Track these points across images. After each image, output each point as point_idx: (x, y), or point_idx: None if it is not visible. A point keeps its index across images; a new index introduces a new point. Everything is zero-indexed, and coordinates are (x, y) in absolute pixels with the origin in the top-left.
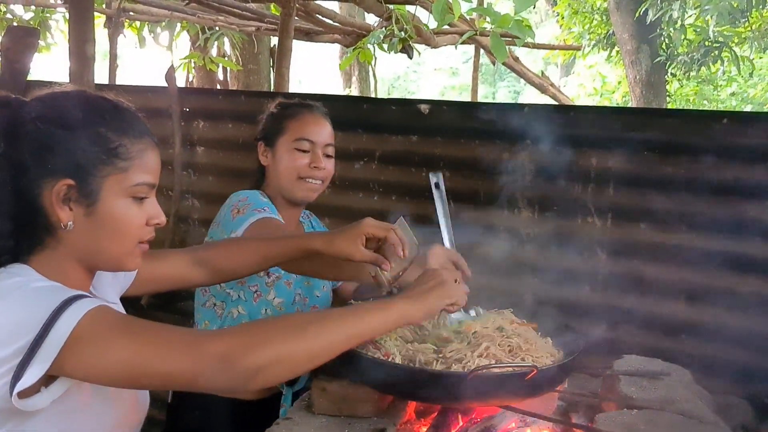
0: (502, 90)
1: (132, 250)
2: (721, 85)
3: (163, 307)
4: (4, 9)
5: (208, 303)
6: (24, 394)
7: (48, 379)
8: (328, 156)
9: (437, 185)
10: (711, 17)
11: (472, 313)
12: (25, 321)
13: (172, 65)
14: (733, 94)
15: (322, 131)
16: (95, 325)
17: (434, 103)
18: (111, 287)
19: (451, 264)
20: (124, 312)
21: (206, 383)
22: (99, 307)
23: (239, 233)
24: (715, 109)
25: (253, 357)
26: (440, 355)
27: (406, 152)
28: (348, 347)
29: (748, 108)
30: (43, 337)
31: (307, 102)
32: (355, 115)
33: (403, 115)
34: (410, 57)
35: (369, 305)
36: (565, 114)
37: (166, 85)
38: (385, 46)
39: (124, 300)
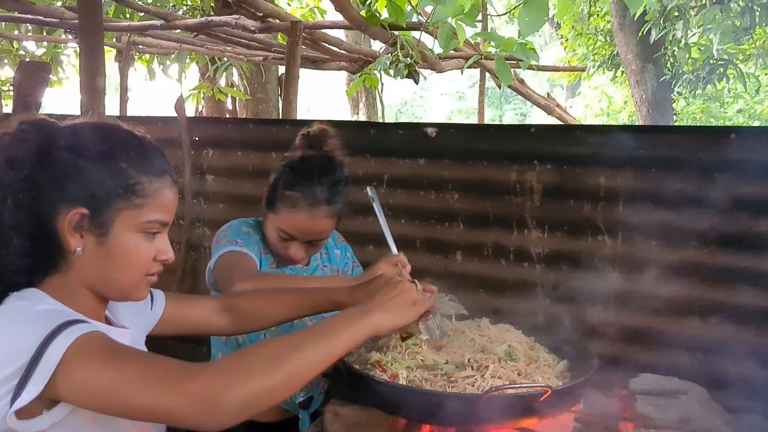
0: (508, 113)
1: (138, 282)
2: (727, 102)
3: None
4: (16, 45)
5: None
6: (24, 416)
7: (50, 403)
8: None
9: (373, 199)
10: (714, 35)
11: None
12: (22, 343)
13: (182, 95)
14: (740, 110)
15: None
16: (83, 352)
17: (441, 126)
18: (136, 324)
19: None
20: (144, 348)
21: (187, 422)
22: (91, 333)
23: (212, 265)
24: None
25: (235, 396)
26: (451, 380)
27: (414, 175)
28: (326, 367)
29: (755, 125)
30: (38, 360)
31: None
32: (363, 139)
33: (410, 138)
34: (416, 82)
35: (341, 321)
36: (571, 134)
37: (175, 115)
38: (392, 71)
39: None
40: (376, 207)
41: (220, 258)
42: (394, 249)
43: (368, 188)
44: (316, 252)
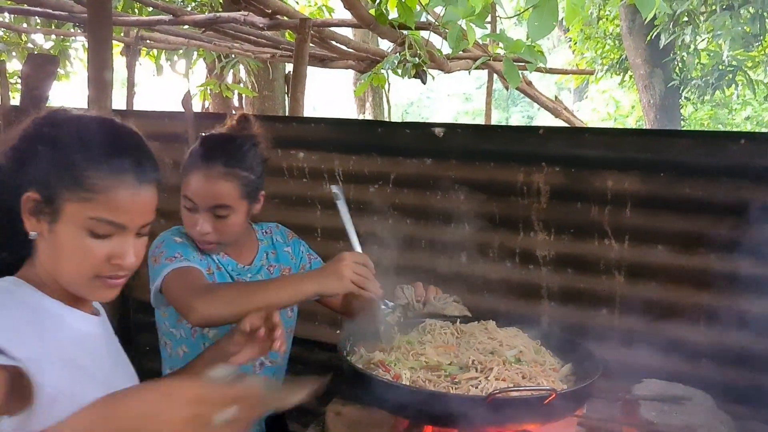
0: (515, 115)
1: (86, 282)
2: (735, 109)
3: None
4: (24, 38)
5: (161, 342)
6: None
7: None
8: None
9: (338, 197)
10: (724, 42)
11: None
12: None
13: (189, 91)
14: (748, 118)
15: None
16: None
17: (449, 126)
18: None
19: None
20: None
21: None
22: None
23: (158, 286)
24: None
25: None
26: (455, 381)
27: (421, 175)
28: None
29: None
30: None
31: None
32: (371, 138)
33: (417, 138)
34: (424, 82)
35: None
36: (580, 136)
37: (182, 110)
38: (399, 71)
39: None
40: (341, 207)
41: (166, 279)
42: (358, 248)
43: (333, 187)
44: (227, 231)
